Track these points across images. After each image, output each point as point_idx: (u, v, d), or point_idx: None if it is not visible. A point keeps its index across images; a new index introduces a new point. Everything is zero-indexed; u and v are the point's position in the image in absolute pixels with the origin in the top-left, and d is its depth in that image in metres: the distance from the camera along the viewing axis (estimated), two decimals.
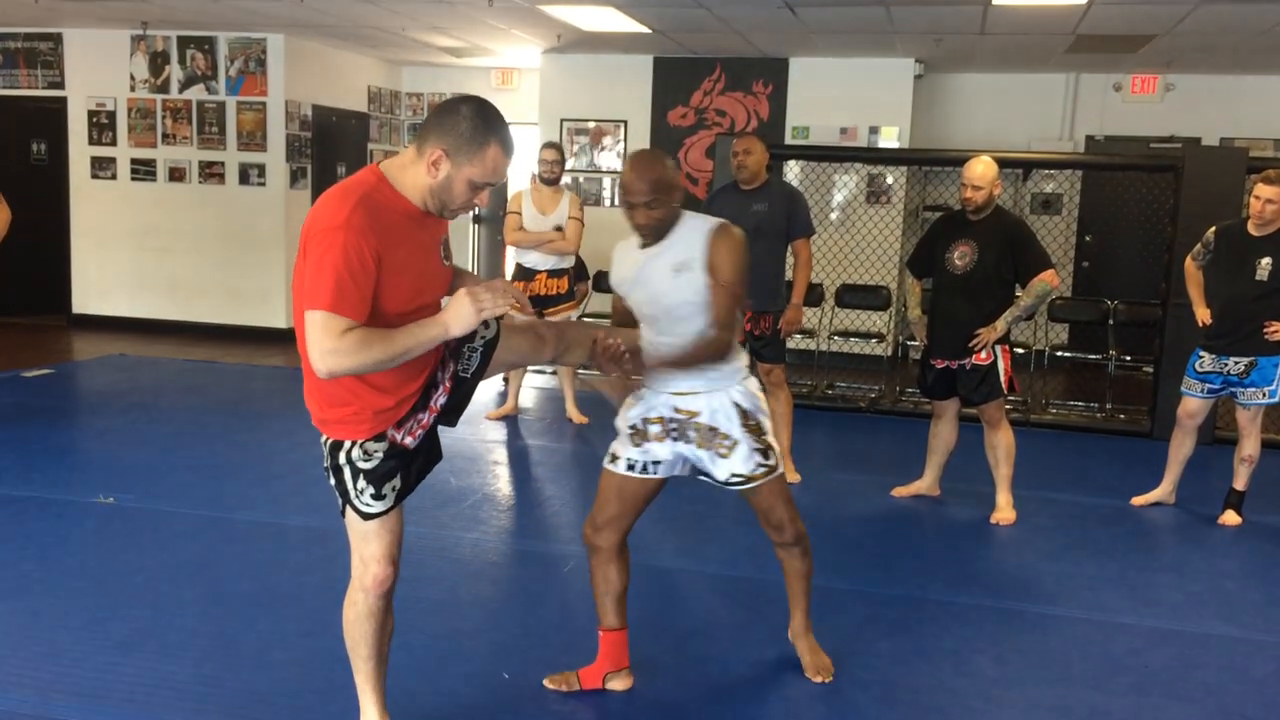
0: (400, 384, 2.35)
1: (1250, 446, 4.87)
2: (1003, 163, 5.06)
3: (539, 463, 5.89)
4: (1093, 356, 7.92)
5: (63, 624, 3.38)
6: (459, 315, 2.21)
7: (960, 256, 4.69)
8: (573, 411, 6.51)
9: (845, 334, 8.11)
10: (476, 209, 2.44)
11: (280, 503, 4.73)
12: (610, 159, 9.59)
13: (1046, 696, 3.16)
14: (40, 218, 9.04)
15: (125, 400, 6.82)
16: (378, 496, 2.41)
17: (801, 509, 3.09)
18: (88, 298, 9.72)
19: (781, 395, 5.14)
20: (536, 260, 6.13)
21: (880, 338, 8.10)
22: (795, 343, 7.79)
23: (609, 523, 2.98)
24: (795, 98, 9.07)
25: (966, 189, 4.65)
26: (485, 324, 2.44)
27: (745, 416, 2.89)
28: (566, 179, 8.13)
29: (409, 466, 2.45)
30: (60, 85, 9.46)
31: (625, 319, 3.03)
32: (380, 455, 2.39)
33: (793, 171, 8.40)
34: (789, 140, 9.00)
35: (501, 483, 5.34)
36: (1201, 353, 4.94)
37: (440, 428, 2.52)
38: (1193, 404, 4.98)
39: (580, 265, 6.66)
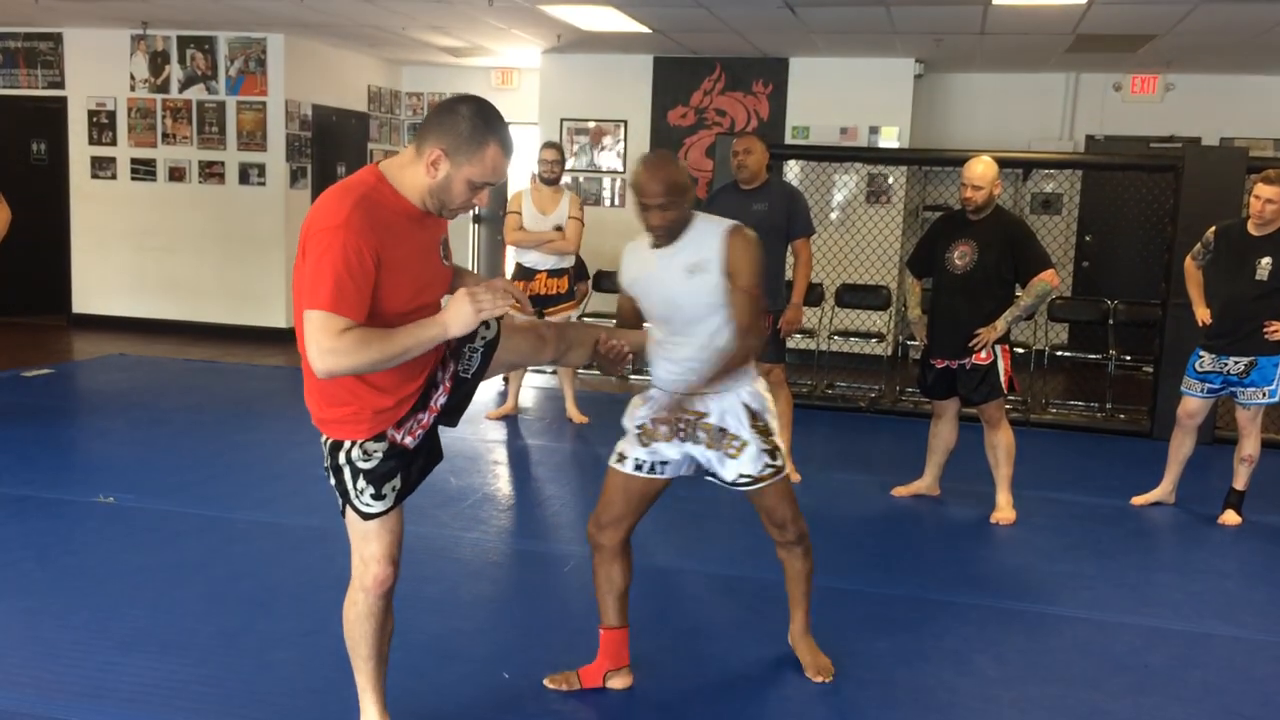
0: (400, 384, 2.35)
1: (1250, 446, 4.88)
2: (1003, 163, 5.06)
3: (539, 463, 5.89)
4: (1093, 356, 7.92)
5: (63, 624, 3.38)
6: (458, 316, 2.21)
7: (960, 256, 4.69)
8: (573, 411, 6.51)
9: (845, 334, 8.11)
10: (476, 209, 2.44)
11: (280, 503, 4.73)
12: (610, 159, 9.59)
13: (1046, 696, 3.16)
14: (40, 218, 9.03)
15: (125, 400, 6.82)
16: (378, 496, 2.41)
17: (801, 508, 3.10)
18: (88, 297, 9.72)
19: (781, 395, 5.13)
20: (536, 260, 6.13)
21: (880, 337, 8.10)
22: (795, 342, 7.79)
23: (613, 521, 2.99)
24: (795, 98, 9.07)
25: (966, 189, 4.65)
26: (486, 324, 2.44)
27: (754, 417, 2.91)
28: (566, 179, 8.13)
29: (409, 467, 2.45)
30: (60, 85, 9.46)
31: (631, 320, 3.04)
32: (380, 455, 2.39)
33: (793, 171, 8.40)
34: (789, 140, 9.00)
35: (501, 483, 5.34)
36: (1201, 352, 4.94)
37: (440, 428, 2.52)
38: (1193, 404, 4.98)
39: (580, 265, 6.66)
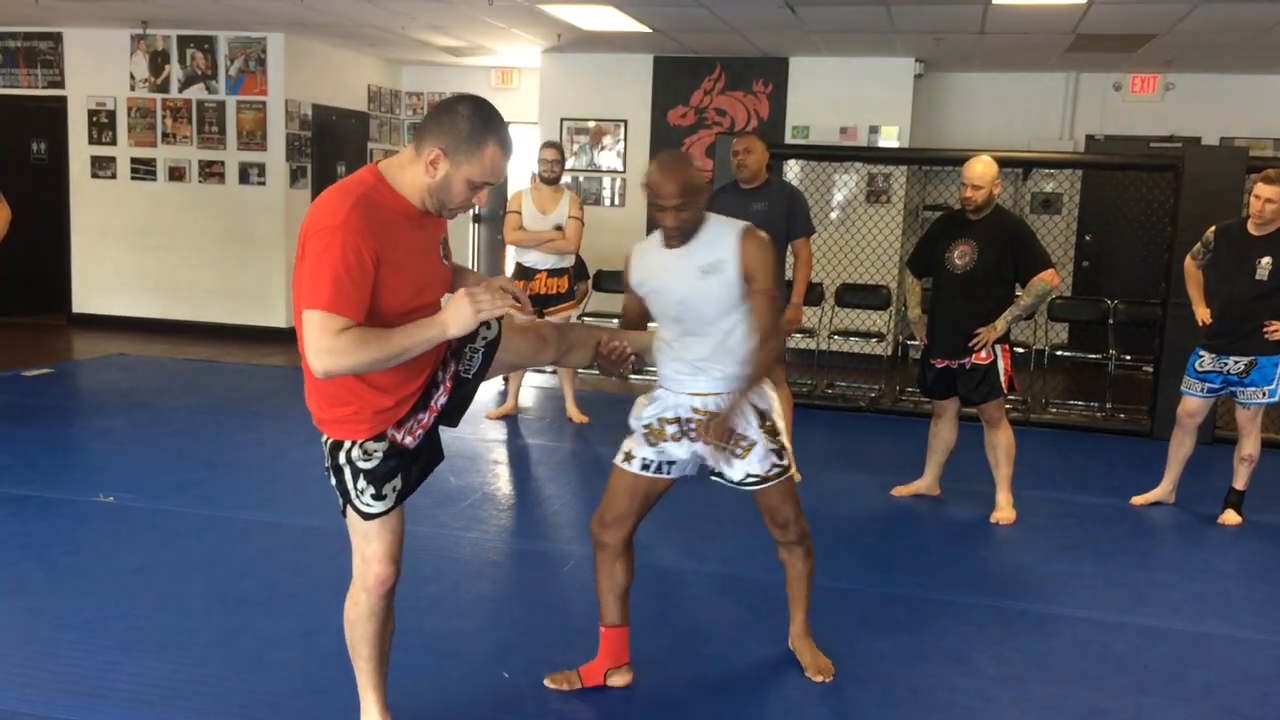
0: (400, 384, 2.35)
1: (1250, 446, 4.88)
2: (1003, 162, 5.07)
3: (539, 462, 5.88)
4: (1093, 356, 7.92)
5: (63, 624, 3.38)
6: (457, 316, 2.21)
7: (960, 256, 4.69)
8: (573, 411, 6.50)
9: (845, 333, 8.11)
10: (476, 208, 2.44)
11: (280, 502, 4.73)
12: (610, 158, 9.59)
13: (1046, 696, 3.17)
14: (40, 217, 9.04)
15: (125, 400, 6.82)
16: (378, 496, 2.41)
17: (802, 508, 3.10)
18: (88, 297, 9.72)
19: (781, 394, 5.13)
20: (536, 259, 6.13)
21: (880, 337, 8.10)
22: (795, 342, 7.81)
23: (617, 520, 2.99)
24: (795, 97, 9.07)
25: (966, 188, 4.65)
26: (487, 324, 2.44)
27: (762, 418, 2.92)
28: (566, 178, 8.13)
29: (410, 467, 2.45)
30: (60, 84, 9.46)
31: (636, 320, 3.04)
32: (380, 455, 2.39)
33: (793, 171, 8.40)
34: (789, 140, 9.00)
35: (501, 482, 5.34)
36: (1201, 352, 4.94)
37: (441, 428, 2.52)
38: (1192, 403, 4.98)
39: (580, 264, 6.66)
